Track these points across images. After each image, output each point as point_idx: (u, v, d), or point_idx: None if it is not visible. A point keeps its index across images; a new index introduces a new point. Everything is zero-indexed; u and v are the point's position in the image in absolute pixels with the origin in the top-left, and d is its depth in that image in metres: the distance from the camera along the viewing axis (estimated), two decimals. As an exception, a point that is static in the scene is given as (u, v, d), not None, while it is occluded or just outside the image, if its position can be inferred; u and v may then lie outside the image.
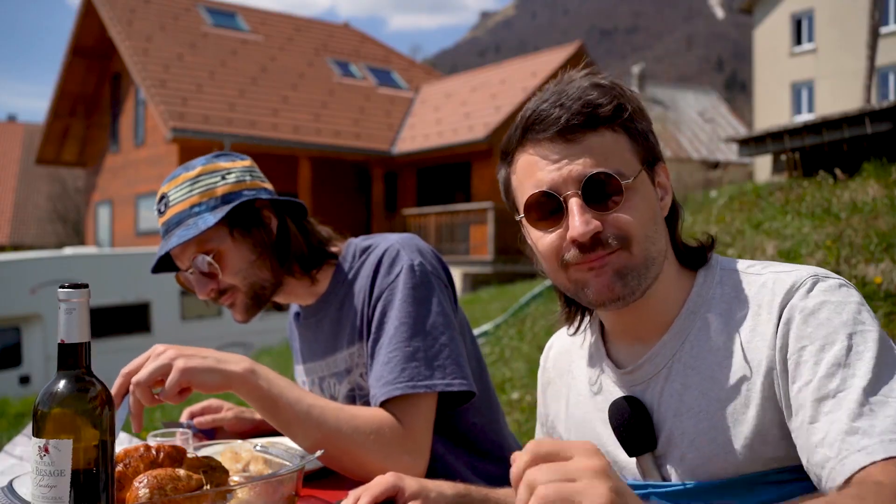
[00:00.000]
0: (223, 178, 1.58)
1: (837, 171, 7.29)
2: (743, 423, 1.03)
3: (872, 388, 0.92)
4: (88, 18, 19.33)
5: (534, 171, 1.09)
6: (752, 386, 1.03)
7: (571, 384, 1.29)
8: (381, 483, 1.22)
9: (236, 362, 1.39)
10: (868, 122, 7.29)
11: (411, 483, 1.24)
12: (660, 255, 1.10)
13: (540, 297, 8.54)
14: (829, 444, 0.91)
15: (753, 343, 1.04)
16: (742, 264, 1.15)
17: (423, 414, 1.51)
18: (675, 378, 1.10)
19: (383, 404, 1.50)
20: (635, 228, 1.06)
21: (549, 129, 1.07)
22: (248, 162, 1.66)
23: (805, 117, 23.79)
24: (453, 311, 1.62)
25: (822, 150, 7.96)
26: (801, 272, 1.05)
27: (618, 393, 1.17)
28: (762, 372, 1.02)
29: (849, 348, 0.95)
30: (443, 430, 1.62)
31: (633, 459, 1.14)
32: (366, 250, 1.67)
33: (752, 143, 8.89)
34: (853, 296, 1.01)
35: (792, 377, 0.99)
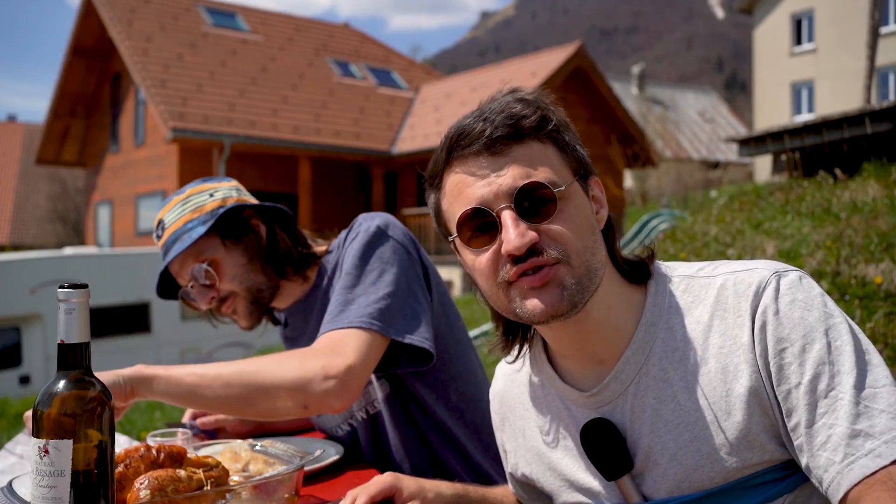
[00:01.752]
0: (211, 195, 1.70)
1: (837, 171, 7.30)
2: (727, 429, 1.01)
3: (860, 382, 0.94)
4: (88, 18, 19.33)
5: (462, 190, 1.06)
6: (732, 391, 1.02)
7: (526, 416, 1.26)
8: (378, 483, 1.22)
9: (126, 368, 1.39)
10: (868, 122, 7.29)
11: (409, 483, 1.24)
12: (601, 267, 1.07)
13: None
14: (833, 448, 0.93)
15: (727, 347, 1.03)
16: (690, 268, 1.13)
17: (360, 343, 1.49)
18: (646, 393, 1.08)
19: None
20: (572, 239, 1.03)
21: (475, 144, 1.05)
22: (234, 182, 1.78)
23: (805, 117, 23.79)
24: (417, 275, 1.64)
25: (822, 150, 7.96)
26: (760, 271, 1.04)
27: (582, 417, 1.13)
28: (743, 377, 1.01)
29: (828, 345, 0.97)
30: (440, 400, 1.69)
31: (612, 484, 1.11)
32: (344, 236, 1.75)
33: (752, 143, 8.89)
34: (814, 287, 1.02)
35: (776, 380, 0.99)
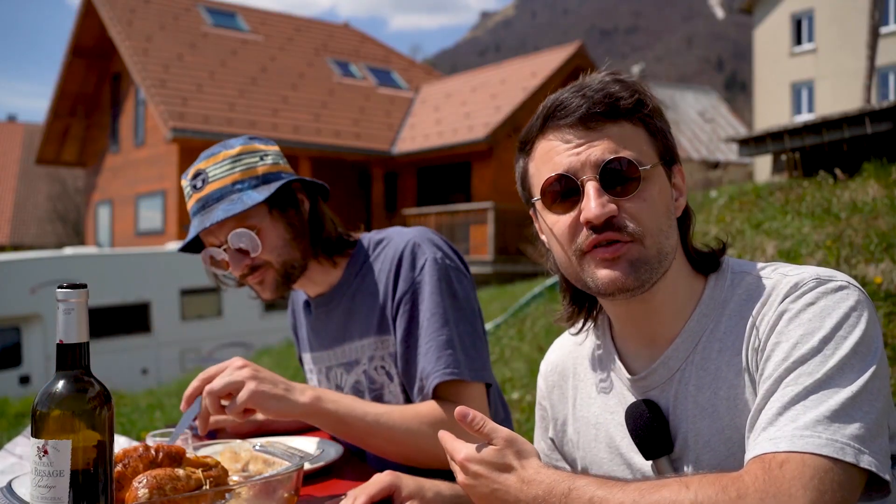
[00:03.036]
0: (261, 158, 1.64)
1: (837, 171, 7.29)
2: (751, 420, 1.03)
3: (817, 388, 0.94)
4: (88, 18, 19.32)
5: (552, 156, 1.10)
6: (753, 384, 1.04)
7: (578, 386, 1.30)
8: (378, 482, 1.23)
9: (301, 391, 1.46)
10: (868, 122, 7.28)
11: (408, 482, 1.25)
12: (671, 251, 1.11)
13: (540, 297, 8.53)
14: (756, 429, 0.97)
15: (756, 342, 1.05)
16: (753, 267, 1.15)
17: (475, 397, 1.56)
18: (689, 380, 1.11)
19: (435, 395, 1.56)
20: (649, 219, 1.07)
21: (570, 116, 1.09)
22: (277, 147, 1.72)
23: (805, 117, 23.78)
24: (476, 294, 1.69)
25: (822, 150, 7.95)
26: (805, 274, 1.05)
27: (631, 397, 1.18)
28: (755, 371, 1.04)
29: (817, 350, 0.97)
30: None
31: (649, 462, 1.14)
32: (379, 243, 1.72)
33: (752, 143, 8.88)
34: (848, 299, 1.01)
35: (761, 370, 1.01)
